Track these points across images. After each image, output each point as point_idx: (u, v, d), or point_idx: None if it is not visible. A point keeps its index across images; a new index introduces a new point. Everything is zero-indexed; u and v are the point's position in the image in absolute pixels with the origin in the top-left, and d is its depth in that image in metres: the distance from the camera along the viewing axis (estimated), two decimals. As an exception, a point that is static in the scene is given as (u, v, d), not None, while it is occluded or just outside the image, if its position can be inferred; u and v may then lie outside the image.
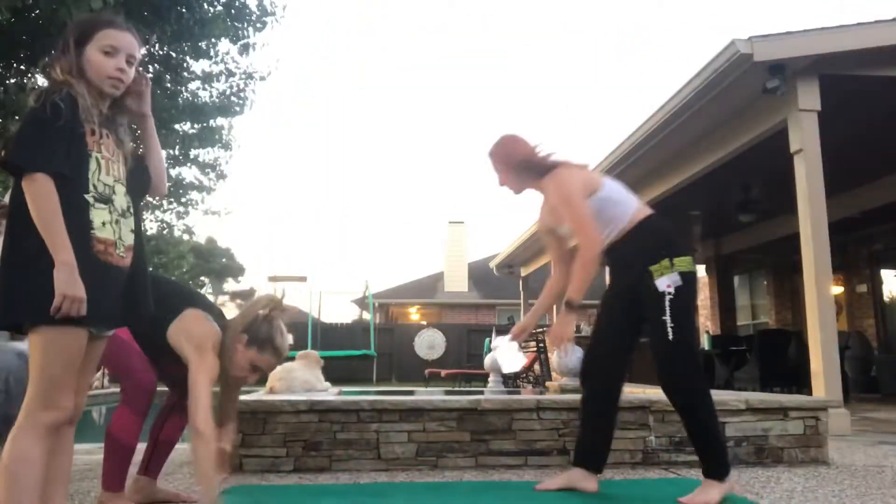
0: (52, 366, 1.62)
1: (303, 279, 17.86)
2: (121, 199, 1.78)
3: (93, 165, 1.72)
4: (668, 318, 2.34)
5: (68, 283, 1.56)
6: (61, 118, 1.64)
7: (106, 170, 1.76)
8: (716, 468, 2.43)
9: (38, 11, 6.57)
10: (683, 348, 2.36)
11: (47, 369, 1.62)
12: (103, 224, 1.72)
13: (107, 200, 1.74)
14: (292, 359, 4.32)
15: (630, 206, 2.58)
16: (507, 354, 2.97)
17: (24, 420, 1.63)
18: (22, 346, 3.70)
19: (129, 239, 1.80)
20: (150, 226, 13.73)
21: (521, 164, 2.68)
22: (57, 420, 1.66)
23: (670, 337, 2.34)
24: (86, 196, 1.69)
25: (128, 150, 1.86)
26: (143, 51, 9.02)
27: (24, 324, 1.64)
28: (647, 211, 2.61)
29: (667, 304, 2.36)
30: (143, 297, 1.84)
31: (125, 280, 1.78)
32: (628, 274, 2.57)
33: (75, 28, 1.80)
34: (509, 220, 61.70)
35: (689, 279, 2.43)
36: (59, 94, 1.67)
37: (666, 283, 2.38)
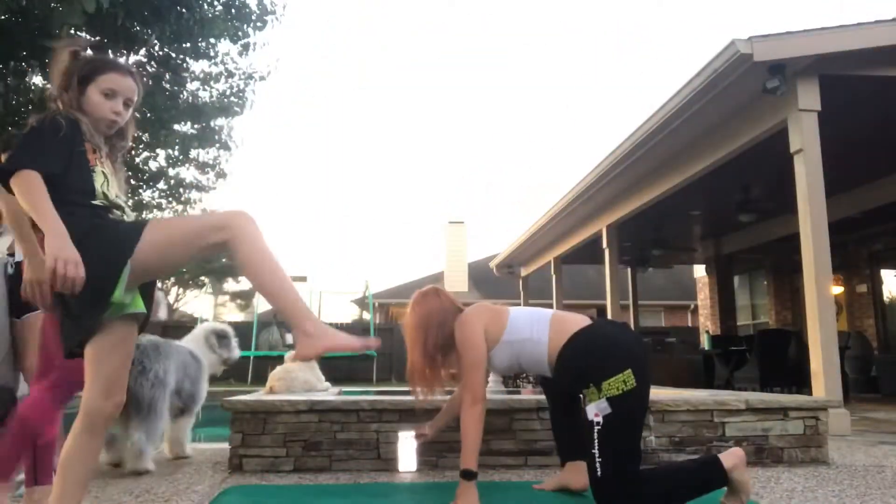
0: None
1: (303, 279, 17.87)
2: (130, 214, 1.83)
3: (100, 178, 1.78)
4: (596, 451, 2.19)
5: (60, 248, 1.56)
6: (61, 131, 1.69)
7: (111, 185, 1.82)
8: (714, 487, 2.29)
9: (35, 12, 6.57)
10: (614, 483, 2.18)
11: None
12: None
13: (119, 208, 1.79)
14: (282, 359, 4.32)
15: (541, 333, 2.43)
16: None
17: None
18: (190, 346, 3.75)
19: None
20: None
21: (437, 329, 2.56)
22: None
23: (599, 473, 2.18)
24: (94, 202, 1.74)
25: (122, 178, 1.98)
26: (143, 51, 9.08)
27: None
28: (568, 332, 2.39)
29: (595, 435, 2.21)
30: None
31: None
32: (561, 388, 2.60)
33: (81, 66, 1.87)
34: (509, 220, 61.74)
35: (619, 403, 2.21)
36: (60, 114, 1.75)
37: (593, 411, 2.23)
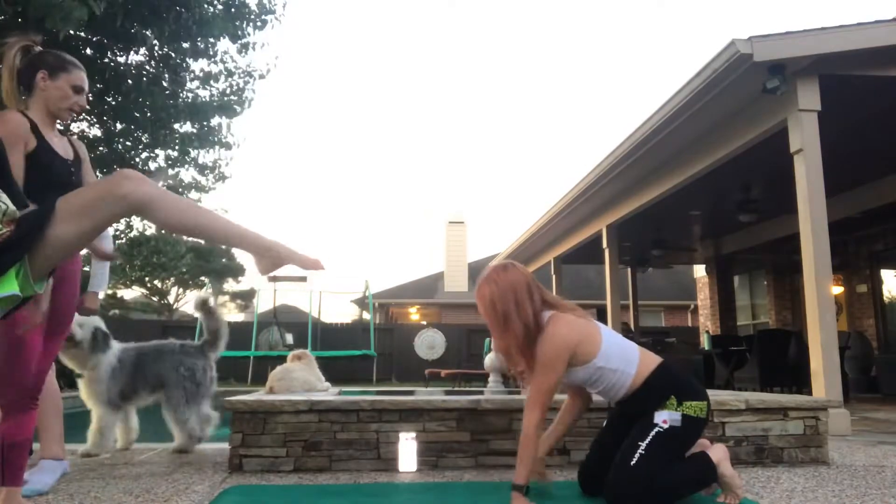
0: None
1: (303, 279, 17.84)
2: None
3: None
4: (644, 444, 2.27)
5: None
6: None
7: None
8: (707, 483, 2.45)
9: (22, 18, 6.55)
10: (639, 480, 2.23)
11: None
12: None
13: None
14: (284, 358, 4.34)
15: (630, 366, 2.43)
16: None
17: None
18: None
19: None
20: (150, 225, 13.70)
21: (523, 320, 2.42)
22: None
23: (633, 461, 2.24)
24: None
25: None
26: (143, 50, 9.07)
27: None
28: (653, 363, 2.47)
29: (652, 433, 2.30)
30: None
31: None
32: (637, 408, 2.48)
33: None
34: (509, 220, 61.73)
35: (689, 423, 2.34)
36: None
37: (663, 417, 2.32)
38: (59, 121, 2.36)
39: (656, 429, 2.31)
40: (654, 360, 2.49)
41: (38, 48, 2.31)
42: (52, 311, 2.21)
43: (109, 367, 3.59)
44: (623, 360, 2.43)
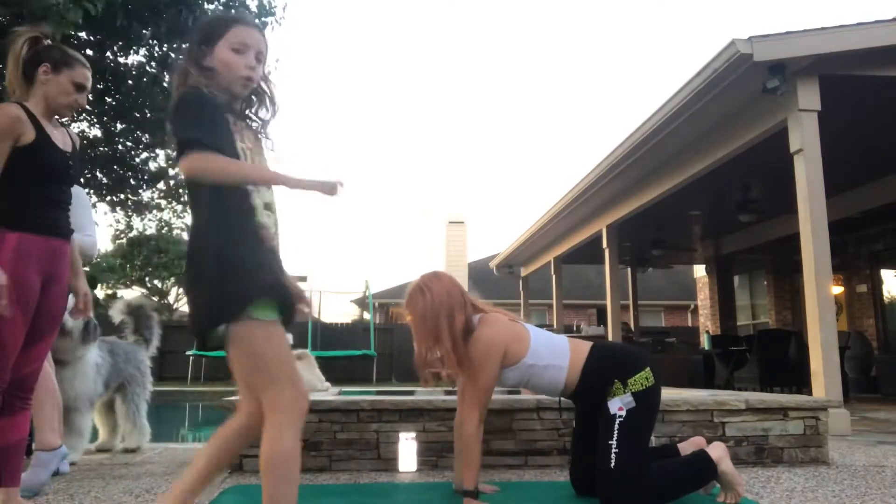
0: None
1: (303, 279, 17.86)
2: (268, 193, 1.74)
3: (241, 156, 1.68)
4: (614, 442, 2.29)
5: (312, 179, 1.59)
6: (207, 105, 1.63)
7: (251, 161, 1.72)
8: (708, 480, 2.45)
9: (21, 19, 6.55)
10: (625, 479, 2.26)
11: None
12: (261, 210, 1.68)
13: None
14: None
15: (562, 359, 2.45)
16: None
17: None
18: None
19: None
20: (150, 225, 13.70)
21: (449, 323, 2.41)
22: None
23: (612, 464, 2.26)
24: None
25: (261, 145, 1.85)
26: (143, 50, 9.07)
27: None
28: (585, 350, 2.48)
29: (616, 427, 2.31)
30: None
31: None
32: (589, 400, 2.52)
33: (200, 29, 1.80)
34: (509, 220, 61.74)
35: (643, 396, 2.36)
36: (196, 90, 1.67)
37: (617, 405, 2.35)
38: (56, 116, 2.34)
39: (617, 420, 2.32)
40: (584, 347, 2.51)
41: (47, 41, 2.30)
42: (42, 311, 2.19)
43: (93, 361, 3.51)
44: (553, 354, 2.46)
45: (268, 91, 1.81)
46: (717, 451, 2.40)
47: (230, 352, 1.58)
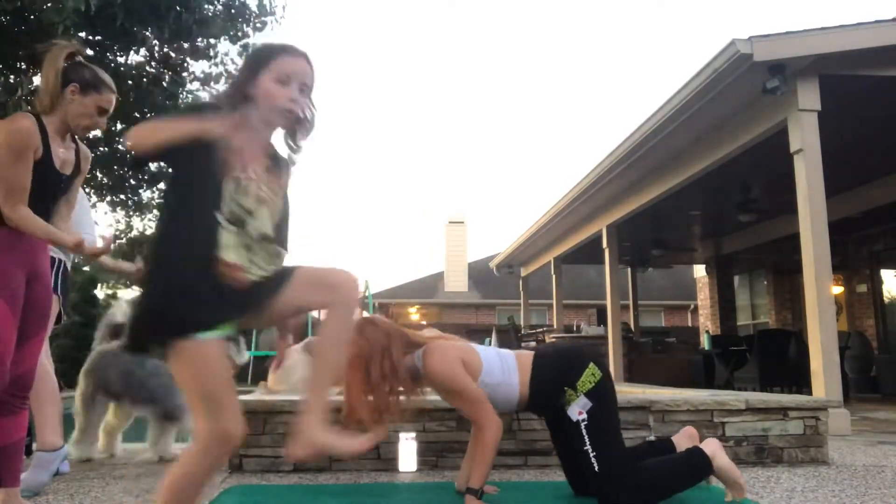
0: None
1: (303, 279, 17.84)
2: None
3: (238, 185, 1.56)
4: (588, 447, 2.30)
5: None
6: None
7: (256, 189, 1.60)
8: (703, 475, 2.44)
9: (26, 14, 6.56)
10: (614, 477, 2.28)
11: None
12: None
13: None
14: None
15: (512, 375, 2.43)
16: None
17: None
18: None
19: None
20: (150, 225, 13.70)
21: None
22: None
23: (596, 468, 2.28)
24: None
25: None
26: (143, 51, 9.07)
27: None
28: (528, 363, 2.47)
29: (583, 432, 2.32)
30: None
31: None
32: (546, 412, 2.53)
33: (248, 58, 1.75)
34: (509, 220, 61.73)
35: (596, 393, 2.36)
36: None
37: (576, 410, 2.34)
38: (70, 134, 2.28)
39: (582, 425, 2.33)
40: (528, 360, 2.49)
41: (80, 58, 2.28)
42: (29, 308, 2.18)
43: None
44: (503, 372, 2.44)
45: (308, 118, 1.70)
46: (711, 446, 2.40)
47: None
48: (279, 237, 1.67)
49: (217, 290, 1.47)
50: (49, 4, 5.66)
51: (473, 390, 2.36)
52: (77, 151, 2.34)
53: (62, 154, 2.25)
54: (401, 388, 2.32)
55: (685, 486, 2.40)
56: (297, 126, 1.69)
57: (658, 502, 2.33)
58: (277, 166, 1.70)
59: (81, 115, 2.22)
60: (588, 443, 2.30)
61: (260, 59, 1.65)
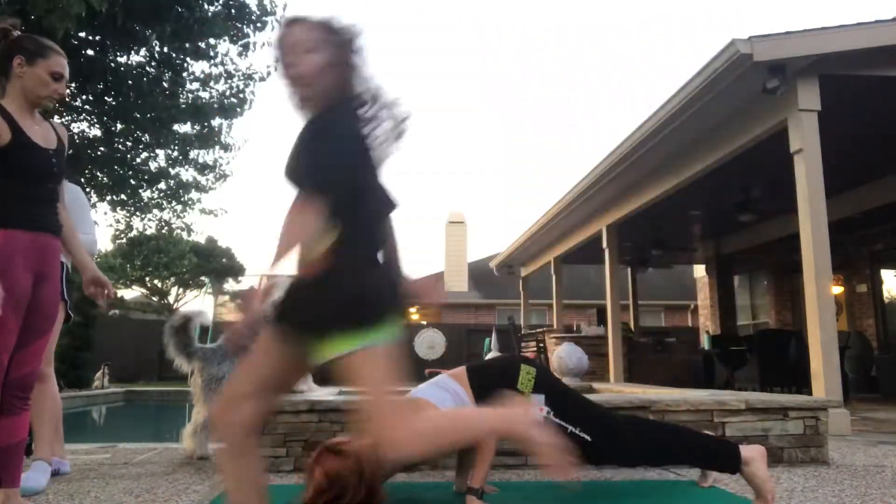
0: None
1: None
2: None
3: None
4: (571, 428, 2.30)
5: None
6: None
7: None
8: (722, 466, 2.33)
9: (32, 18, 6.56)
10: (608, 434, 2.30)
11: None
12: None
13: None
14: None
15: (461, 392, 2.41)
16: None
17: None
18: None
19: None
20: (150, 224, 13.70)
21: None
22: None
23: (590, 438, 2.29)
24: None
25: None
26: (143, 51, 9.07)
27: None
28: (461, 372, 2.48)
29: (557, 420, 2.32)
30: None
31: None
32: None
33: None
34: (509, 220, 61.73)
35: (541, 384, 2.38)
36: None
37: (536, 409, 2.30)
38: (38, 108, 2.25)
39: (550, 417, 2.32)
40: (461, 372, 2.48)
41: (17, 33, 2.21)
42: (35, 309, 2.18)
43: None
44: (448, 393, 2.39)
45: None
46: (752, 451, 2.27)
47: None
48: None
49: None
50: (53, 10, 5.67)
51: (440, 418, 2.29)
52: (53, 127, 2.33)
53: (38, 131, 2.22)
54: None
55: (687, 460, 2.36)
56: None
57: (659, 460, 2.35)
58: None
59: (36, 86, 2.17)
60: (567, 424, 2.31)
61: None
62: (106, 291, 2.46)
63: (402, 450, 1.44)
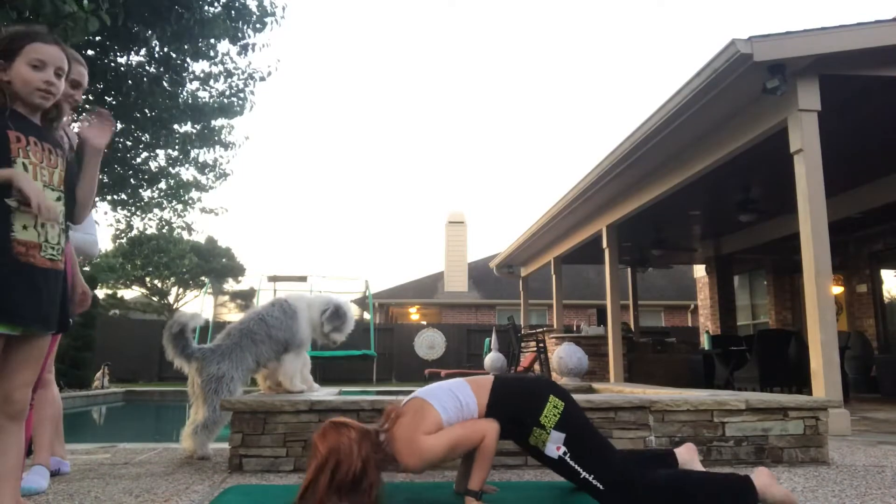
0: None
1: (303, 279, 17.86)
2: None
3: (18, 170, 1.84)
4: (583, 473, 2.22)
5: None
6: None
7: (33, 175, 1.88)
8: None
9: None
10: (622, 486, 2.20)
11: None
12: (24, 227, 1.84)
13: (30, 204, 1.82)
14: None
15: (469, 407, 2.34)
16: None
17: None
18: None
19: (62, 242, 1.93)
20: (150, 224, 13.71)
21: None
22: None
23: (601, 487, 2.21)
24: (7, 200, 1.80)
25: (63, 157, 2.04)
26: (143, 51, 9.07)
27: None
28: (487, 382, 2.41)
29: (572, 463, 2.25)
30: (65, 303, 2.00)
31: (61, 283, 1.94)
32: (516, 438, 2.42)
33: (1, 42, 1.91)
34: (509, 220, 61.75)
35: (565, 422, 2.28)
36: None
37: (553, 447, 2.27)
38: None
39: (567, 458, 2.25)
40: (486, 381, 2.41)
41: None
42: None
43: None
44: (461, 409, 2.33)
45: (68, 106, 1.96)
46: (763, 477, 2.23)
47: None
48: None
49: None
50: (69, 23, 5.68)
51: (454, 440, 2.25)
52: (65, 132, 2.37)
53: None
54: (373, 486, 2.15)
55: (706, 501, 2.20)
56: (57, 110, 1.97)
57: (667, 489, 2.20)
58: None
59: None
60: (582, 470, 2.23)
61: (11, 44, 1.90)
62: (85, 301, 2.50)
63: None
